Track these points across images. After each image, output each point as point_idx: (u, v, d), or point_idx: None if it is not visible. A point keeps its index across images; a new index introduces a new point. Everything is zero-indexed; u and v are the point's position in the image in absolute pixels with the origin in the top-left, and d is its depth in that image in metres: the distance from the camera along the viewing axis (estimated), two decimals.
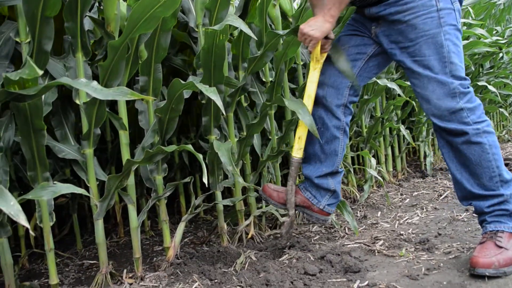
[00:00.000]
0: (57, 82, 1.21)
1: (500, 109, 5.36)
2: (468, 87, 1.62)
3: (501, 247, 1.52)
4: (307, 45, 1.79)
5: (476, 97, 1.64)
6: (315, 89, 1.84)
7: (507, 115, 5.94)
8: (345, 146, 1.93)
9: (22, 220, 0.89)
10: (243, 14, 2.16)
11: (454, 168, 1.68)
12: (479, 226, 2.08)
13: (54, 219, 1.63)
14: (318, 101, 1.87)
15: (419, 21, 1.60)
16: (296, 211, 1.96)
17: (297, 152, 1.85)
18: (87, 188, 1.74)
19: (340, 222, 2.41)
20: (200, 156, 1.43)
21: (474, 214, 2.27)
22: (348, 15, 2.23)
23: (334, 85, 1.85)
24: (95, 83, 1.21)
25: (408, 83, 2.93)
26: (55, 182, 1.37)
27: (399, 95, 3.32)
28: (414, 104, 3.63)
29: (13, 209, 0.92)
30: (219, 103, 1.42)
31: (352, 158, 3.60)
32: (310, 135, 1.86)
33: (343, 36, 1.89)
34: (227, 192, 3.33)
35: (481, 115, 1.62)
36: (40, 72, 1.13)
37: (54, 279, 1.57)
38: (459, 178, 1.67)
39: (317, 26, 1.71)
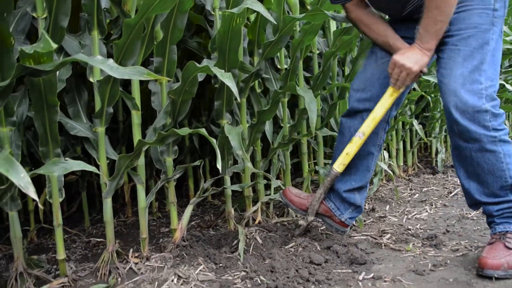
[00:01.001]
0: (73, 59, 1.21)
1: None
2: (495, 96, 1.57)
3: (510, 249, 1.50)
4: (399, 78, 1.65)
5: (501, 108, 1.60)
6: (383, 114, 1.76)
7: None
8: (376, 161, 1.92)
9: (31, 192, 0.89)
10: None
11: (462, 176, 1.66)
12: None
13: (64, 196, 1.64)
14: (357, 115, 1.84)
15: (475, 13, 1.56)
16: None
17: (339, 166, 1.81)
18: (97, 167, 1.75)
19: None
20: (213, 141, 1.42)
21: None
22: None
23: (377, 101, 1.77)
24: (111, 61, 1.21)
25: (424, 77, 2.88)
26: (66, 158, 1.38)
27: (414, 89, 3.28)
28: (429, 99, 3.58)
29: (23, 181, 0.92)
30: (234, 90, 1.41)
31: None
32: (343, 146, 1.84)
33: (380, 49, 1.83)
34: (236, 178, 3.33)
35: (502, 123, 1.58)
36: (55, 46, 1.13)
37: (61, 254, 1.58)
38: (466, 187, 1.66)
39: (416, 59, 1.60)
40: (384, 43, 1.76)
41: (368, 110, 1.80)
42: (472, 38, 1.56)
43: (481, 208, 1.67)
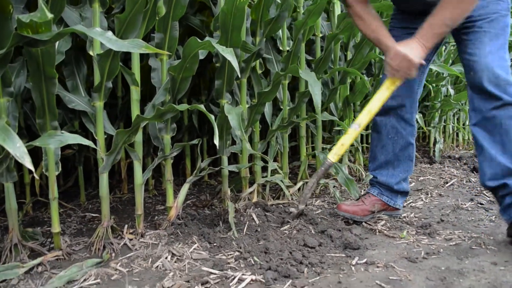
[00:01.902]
0: (71, 29, 1.19)
1: None
2: None
3: None
4: (400, 68, 1.71)
5: None
6: (379, 107, 1.81)
7: None
8: (415, 150, 2.04)
9: (27, 162, 0.89)
10: None
11: (488, 145, 1.69)
12: (482, 216, 2.08)
13: (60, 169, 1.63)
14: (391, 112, 1.94)
15: (492, 1, 1.69)
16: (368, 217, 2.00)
17: (333, 156, 1.84)
18: (94, 142, 1.74)
19: (344, 199, 2.41)
20: (212, 117, 1.41)
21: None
22: None
23: (408, 94, 1.91)
24: (110, 33, 1.19)
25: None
26: (62, 131, 1.36)
27: None
28: (431, 88, 3.56)
29: (19, 151, 0.91)
30: (235, 64, 1.39)
31: (362, 136, 3.57)
32: (381, 144, 1.95)
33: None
34: (233, 159, 3.33)
35: None
36: (50, 16, 1.10)
37: (56, 227, 1.58)
38: (493, 154, 1.68)
39: (418, 52, 1.67)
40: (374, 39, 1.82)
41: (402, 106, 1.92)
42: (495, 22, 1.70)
43: (489, 192, 1.70)
